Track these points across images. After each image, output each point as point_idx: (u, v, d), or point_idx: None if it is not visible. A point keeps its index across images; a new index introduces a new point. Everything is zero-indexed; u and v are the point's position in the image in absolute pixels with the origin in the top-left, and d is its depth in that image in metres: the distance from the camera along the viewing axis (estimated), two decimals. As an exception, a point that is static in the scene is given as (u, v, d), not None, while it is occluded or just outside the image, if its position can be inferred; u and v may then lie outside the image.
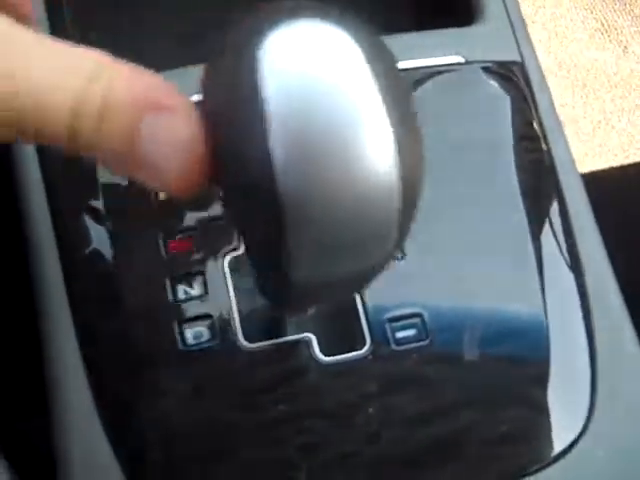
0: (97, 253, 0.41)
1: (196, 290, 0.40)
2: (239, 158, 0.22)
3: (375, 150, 0.21)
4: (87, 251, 0.41)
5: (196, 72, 0.43)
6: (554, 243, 0.43)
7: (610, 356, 0.41)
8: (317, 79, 0.21)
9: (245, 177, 0.22)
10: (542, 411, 0.40)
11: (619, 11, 1.18)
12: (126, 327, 0.39)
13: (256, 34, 0.21)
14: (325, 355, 0.39)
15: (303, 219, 0.21)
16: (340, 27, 0.21)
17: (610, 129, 1.12)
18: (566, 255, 0.43)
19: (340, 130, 0.21)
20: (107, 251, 0.40)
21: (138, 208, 0.41)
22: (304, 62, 0.21)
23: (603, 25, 1.19)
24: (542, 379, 0.40)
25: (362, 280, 0.26)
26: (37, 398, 0.41)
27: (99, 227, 0.41)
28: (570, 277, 0.43)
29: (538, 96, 0.44)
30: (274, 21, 0.21)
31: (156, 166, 0.23)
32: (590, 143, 1.12)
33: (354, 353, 0.39)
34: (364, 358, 0.39)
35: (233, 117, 0.22)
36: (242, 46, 0.21)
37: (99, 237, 0.41)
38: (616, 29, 1.17)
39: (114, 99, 0.22)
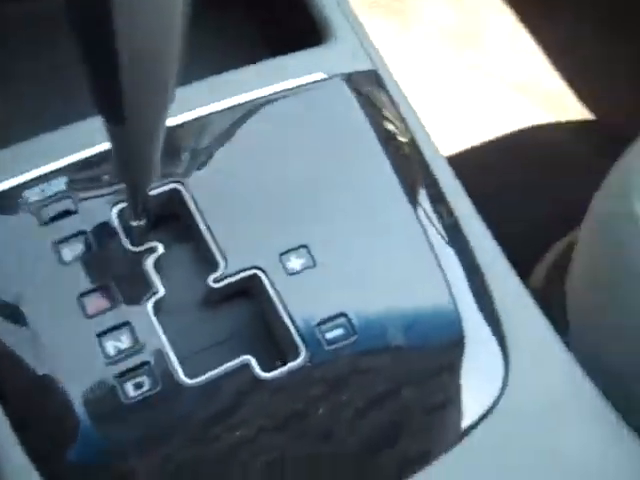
0: (14, 328, 0.40)
1: (125, 342, 0.40)
2: None
3: None
4: (3, 328, 0.40)
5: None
6: (440, 226, 0.46)
7: (514, 323, 0.45)
8: None
9: None
10: (456, 388, 0.43)
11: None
12: (65, 400, 0.39)
13: None
14: (266, 372, 0.40)
15: None
16: None
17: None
18: (449, 235, 0.46)
19: None
20: (26, 326, 0.40)
21: (46, 275, 0.41)
22: None
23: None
24: (456, 360, 0.43)
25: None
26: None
27: (9, 304, 0.40)
28: (460, 256, 0.46)
29: (396, 97, 0.48)
30: None
31: None
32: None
33: (293, 363, 0.41)
34: (303, 365, 0.40)
35: None
36: None
37: (12, 313, 0.40)
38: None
39: None
